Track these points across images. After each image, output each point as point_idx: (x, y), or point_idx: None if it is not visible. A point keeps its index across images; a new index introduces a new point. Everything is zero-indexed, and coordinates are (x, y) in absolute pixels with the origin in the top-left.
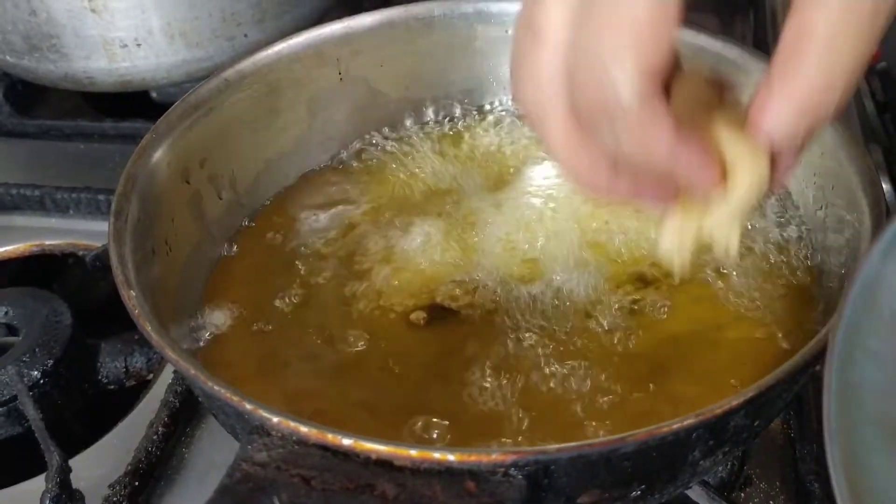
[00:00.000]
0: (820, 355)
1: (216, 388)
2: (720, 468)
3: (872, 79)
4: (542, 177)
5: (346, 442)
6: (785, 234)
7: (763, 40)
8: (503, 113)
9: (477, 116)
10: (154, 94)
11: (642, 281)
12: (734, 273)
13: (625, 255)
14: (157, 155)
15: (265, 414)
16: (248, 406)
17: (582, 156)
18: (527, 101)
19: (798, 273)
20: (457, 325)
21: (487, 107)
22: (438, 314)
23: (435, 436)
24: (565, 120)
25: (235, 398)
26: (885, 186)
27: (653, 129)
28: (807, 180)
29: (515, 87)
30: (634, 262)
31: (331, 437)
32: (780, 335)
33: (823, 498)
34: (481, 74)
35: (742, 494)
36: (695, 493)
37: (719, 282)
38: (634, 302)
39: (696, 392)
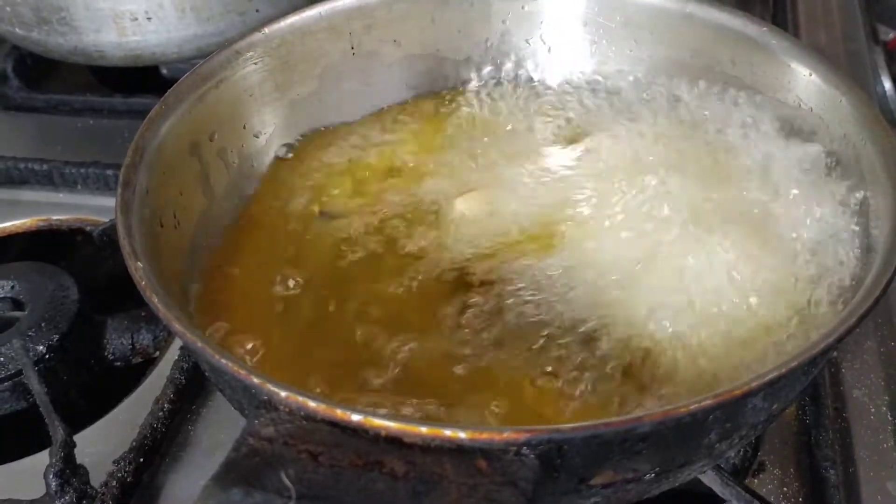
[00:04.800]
0: (840, 339)
1: (223, 361)
2: (733, 453)
3: (892, 63)
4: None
5: (356, 418)
6: (804, 216)
7: (782, 22)
8: (519, 88)
9: (493, 90)
10: (164, 70)
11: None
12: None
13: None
14: (166, 126)
15: (273, 388)
16: (256, 380)
17: None
18: None
19: (818, 254)
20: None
21: (504, 81)
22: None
23: None
24: None
25: (243, 372)
26: None
27: None
28: (830, 161)
29: None
30: None
31: (339, 413)
32: (798, 317)
33: (839, 485)
34: (496, 49)
35: (755, 480)
36: (708, 478)
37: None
38: None
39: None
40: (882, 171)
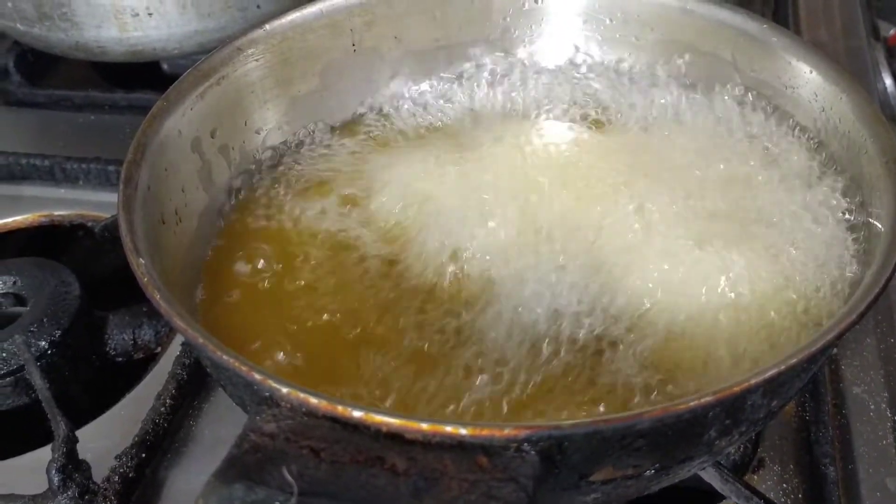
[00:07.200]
0: (839, 337)
1: (225, 357)
2: (733, 450)
3: (893, 59)
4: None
5: (357, 414)
6: (804, 212)
7: (783, 18)
8: (519, 84)
9: (495, 87)
10: (165, 66)
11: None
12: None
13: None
14: (168, 123)
15: (274, 384)
16: (258, 376)
17: None
18: None
19: (817, 250)
20: None
21: (505, 78)
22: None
23: None
24: None
25: (244, 368)
26: None
27: None
28: (828, 159)
29: None
30: None
31: (341, 409)
32: (799, 315)
33: (838, 481)
34: (497, 45)
35: (755, 477)
36: (708, 474)
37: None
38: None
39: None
40: (882, 168)
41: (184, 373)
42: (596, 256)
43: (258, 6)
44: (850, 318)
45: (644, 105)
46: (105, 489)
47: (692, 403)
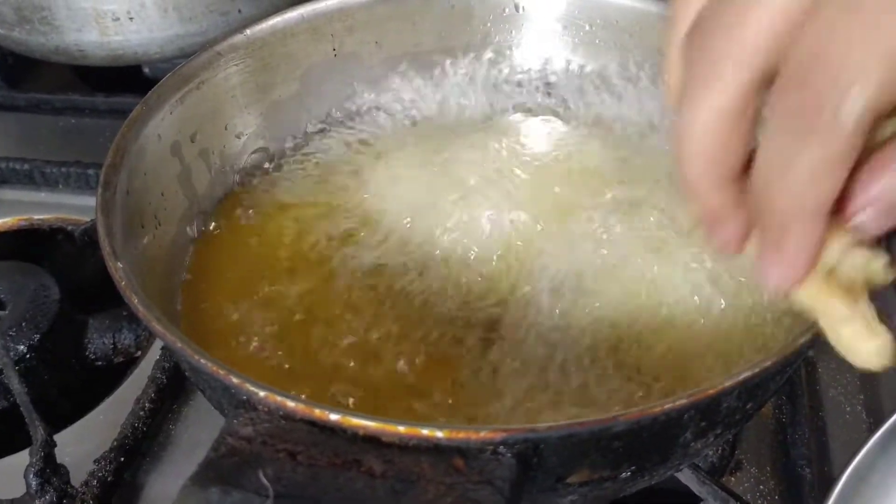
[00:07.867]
0: (815, 339)
1: (203, 361)
2: (710, 452)
3: None
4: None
5: (334, 417)
6: None
7: None
8: (499, 89)
9: (476, 92)
10: (146, 70)
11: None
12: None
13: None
14: (148, 127)
15: (251, 388)
16: (235, 380)
17: (724, 144)
18: (704, 48)
19: None
20: None
21: (484, 84)
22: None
23: None
24: (739, 95)
25: (222, 372)
26: None
27: (837, 168)
28: None
29: (695, 27)
30: None
31: (318, 413)
32: (776, 318)
33: (814, 483)
34: (477, 51)
35: (732, 479)
36: (685, 476)
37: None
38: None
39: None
40: None
41: (163, 377)
42: (577, 259)
43: (239, 10)
44: None
45: (624, 110)
46: (83, 493)
47: (667, 406)
